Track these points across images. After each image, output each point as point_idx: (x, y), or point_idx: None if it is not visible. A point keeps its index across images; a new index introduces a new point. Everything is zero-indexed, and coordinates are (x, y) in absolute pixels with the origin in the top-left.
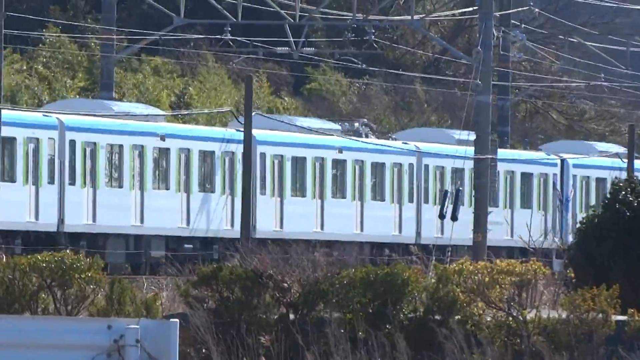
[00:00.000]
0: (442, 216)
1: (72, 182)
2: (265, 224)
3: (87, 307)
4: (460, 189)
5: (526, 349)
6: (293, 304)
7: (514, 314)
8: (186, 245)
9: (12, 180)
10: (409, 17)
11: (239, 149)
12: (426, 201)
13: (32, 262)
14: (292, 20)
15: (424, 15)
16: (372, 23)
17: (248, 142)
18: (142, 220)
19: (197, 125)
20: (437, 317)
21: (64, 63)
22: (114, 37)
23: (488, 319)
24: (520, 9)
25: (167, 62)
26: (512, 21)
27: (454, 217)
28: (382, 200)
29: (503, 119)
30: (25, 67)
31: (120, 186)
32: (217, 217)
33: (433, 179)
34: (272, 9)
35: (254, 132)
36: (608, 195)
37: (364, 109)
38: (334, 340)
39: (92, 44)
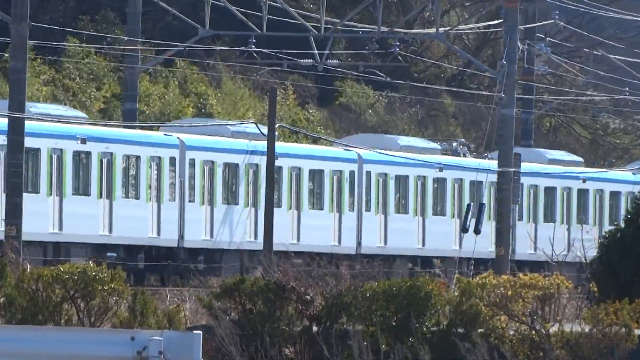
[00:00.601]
0: (465, 230)
1: (192, 199)
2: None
3: (110, 318)
4: (484, 202)
5: None
6: (316, 316)
7: (537, 328)
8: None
9: (137, 197)
10: (434, 30)
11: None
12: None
13: (55, 273)
14: (317, 33)
15: (449, 28)
16: (397, 36)
17: (271, 153)
18: (255, 236)
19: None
20: (460, 330)
21: (89, 74)
22: (139, 48)
23: (511, 333)
24: (545, 22)
25: (192, 74)
26: (537, 34)
27: (477, 231)
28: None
29: (527, 132)
30: (51, 78)
31: (236, 203)
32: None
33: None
34: (296, 22)
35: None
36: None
37: (390, 122)
38: (357, 353)
39: (117, 54)
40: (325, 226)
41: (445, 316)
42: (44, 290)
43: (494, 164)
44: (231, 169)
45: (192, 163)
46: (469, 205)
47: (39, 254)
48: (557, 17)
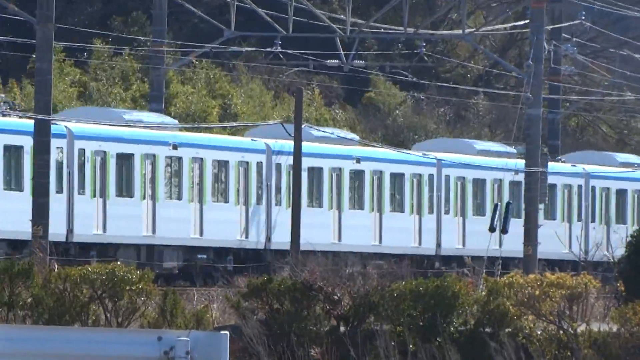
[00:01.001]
0: (492, 229)
1: (278, 202)
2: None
3: (138, 318)
4: (511, 202)
5: None
6: (343, 316)
7: (565, 327)
8: None
9: (226, 201)
10: (460, 31)
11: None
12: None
13: (83, 273)
14: (343, 34)
15: (475, 29)
16: (423, 37)
17: (298, 153)
18: (339, 238)
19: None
20: (488, 329)
21: (116, 75)
22: (165, 49)
23: (538, 332)
24: (571, 22)
25: (217, 74)
26: (563, 35)
27: (505, 230)
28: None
29: (553, 132)
30: (77, 79)
31: (320, 206)
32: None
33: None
34: (322, 23)
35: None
36: None
37: (418, 122)
38: (385, 353)
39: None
40: (406, 228)
41: (472, 316)
42: (71, 291)
43: (569, 167)
44: (315, 173)
45: (279, 168)
46: (496, 205)
47: (132, 256)
48: (583, 17)
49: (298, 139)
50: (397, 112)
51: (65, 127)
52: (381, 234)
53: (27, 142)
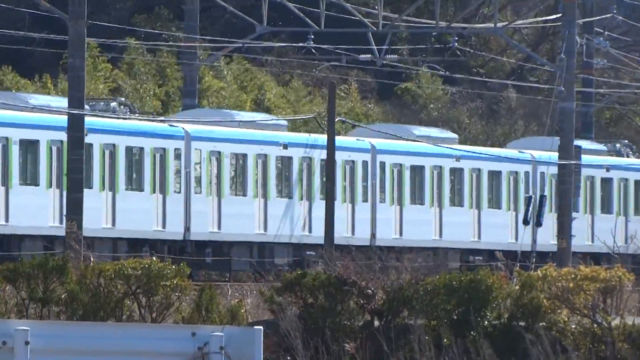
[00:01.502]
0: (526, 222)
1: (382, 200)
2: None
3: (172, 314)
4: (545, 195)
5: (611, 356)
6: (377, 310)
7: (599, 321)
8: None
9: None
10: (492, 25)
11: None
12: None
13: (118, 268)
14: (375, 28)
15: (507, 22)
16: (455, 31)
17: (331, 148)
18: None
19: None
20: (522, 323)
21: (148, 71)
22: (197, 45)
23: (573, 326)
24: (603, 16)
25: (251, 67)
26: (596, 28)
27: (538, 223)
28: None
29: (587, 125)
30: (110, 75)
31: (422, 203)
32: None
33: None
34: (354, 17)
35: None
36: None
37: (452, 116)
38: (419, 347)
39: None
40: (504, 224)
41: (506, 309)
42: (106, 286)
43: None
44: (417, 171)
45: (382, 166)
46: (529, 198)
47: (245, 254)
48: (615, 11)
49: (331, 133)
50: (432, 106)
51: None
52: (480, 230)
53: (147, 144)
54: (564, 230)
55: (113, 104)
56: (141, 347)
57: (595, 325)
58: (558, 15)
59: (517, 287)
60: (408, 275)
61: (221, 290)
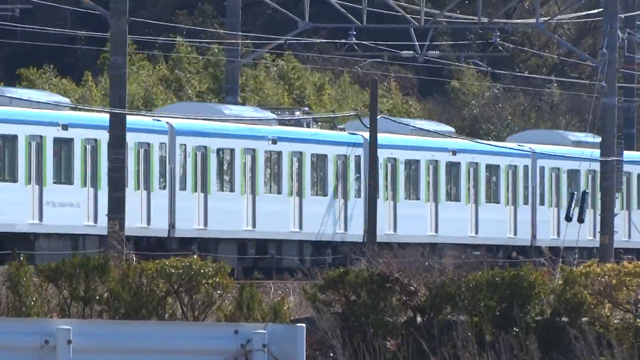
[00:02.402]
0: (568, 218)
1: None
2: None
3: (214, 312)
4: (587, 191)
5: None
6: (420, 307)
7: None
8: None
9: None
10: (534, 20)
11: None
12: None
13: (159, 267)
14: (417, 24)
15: (548, 17)
16: (497, 26)
17: (374, 145)
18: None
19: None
20: (564, 319)
21: (191, 68)
22: (239, 41)
23: (616, 321)
24: None
25: (293, 66)
26: (637, 22)
27: (581, 219)
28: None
29: (629, 121)
30: (152, 73)
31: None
32: None
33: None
34: (396, 13)
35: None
36: None
37: (494, 112)
38: (462, 343)
39: (216, 49)
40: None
41: (549, 305)
42: (147, 285)
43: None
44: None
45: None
46: (572, 194)
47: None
48: None
49: (373, 130)
50: (474, 102)
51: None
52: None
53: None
54: (606, 226)
55: None
56: (183, 346)
57: (638, 320)
58: (600, 10)
59: (559, 283)
60: (450, 271)
61: (264, 289)
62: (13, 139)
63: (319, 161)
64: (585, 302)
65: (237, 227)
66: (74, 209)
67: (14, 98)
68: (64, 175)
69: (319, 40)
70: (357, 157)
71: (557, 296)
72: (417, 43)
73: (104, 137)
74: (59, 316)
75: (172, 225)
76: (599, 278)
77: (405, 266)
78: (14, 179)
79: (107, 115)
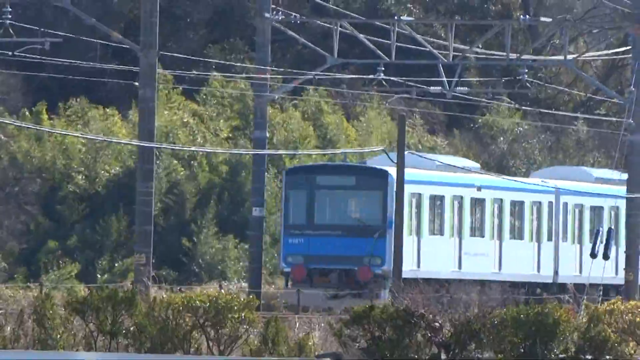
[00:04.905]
0: (593, 255)
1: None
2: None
3: (241, 346)
4: (612, 227)
5: None
6: (445, 343)
7: None
8: None
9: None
10: (562, 57)
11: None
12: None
13: (186, 301)
14: (445, 60)
15: (577, 55)
16: (526, 63)
17: (401, 179)
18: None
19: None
20: (589, 357)
21: (221, 102)
22: (268, 76)
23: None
24: None
25: (325, 102)
26: None
27: (606, 256)
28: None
29: None
30: (182, 106)
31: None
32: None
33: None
34: (425, 49)
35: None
36: None
37: (520, 149)
38: None
39: (243, 84)
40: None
41: (573, 343)
42: (174, 319)
43: None
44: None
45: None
46: (598, 231)
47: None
48: None
49: (401, 165)
50: (501, 138)
51: None
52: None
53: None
54: (631, 263)
55: None
56: None
57: None
58: (628, 47)
59: (584, 320)
60: (475, 308)
61: (288, 323)
62: (441, 199)
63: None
64: (610, 340)
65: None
66: (484, 258)
67: (440, 163)
68: (477, 229)
69: (347, 76)
70: (550, 203)
71: (582, 334)
72: (445, 79)
73: (506, 197)
74: (85, 349)
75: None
76: (623, 316)
77: (431, 302)
78: (441, 232)
79: (507, 179)
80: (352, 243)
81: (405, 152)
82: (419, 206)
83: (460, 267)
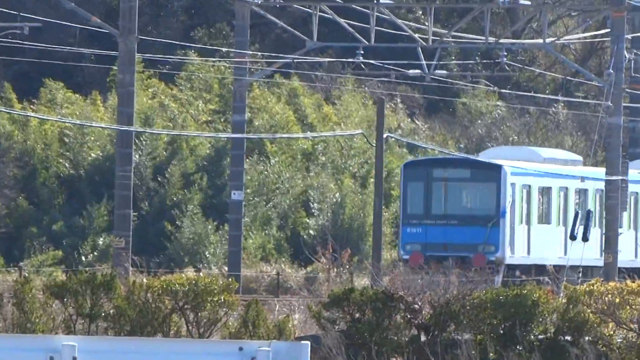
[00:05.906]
0: (572, 237)
1: None
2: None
3: (219, 329)
4: (592, 210)
5: None
6: (424, 325)
7: None
8: None
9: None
10: (541, 41)
11: None
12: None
13: (165, 284)
14: (425, 44)
15: (555, 38)
16: (504, 46)
17: (380, 164)
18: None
19: None
20: (568, 337)
21: (199, 86)
22: (247, 60)
23: (618, 340)
24: None
25: (301, 86)
26: None
27: (585, 238)
28: None
29: (634, 140)
30: (160, 90)
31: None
32: None
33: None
34: (404, 33)
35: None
36: None
37: (499, 132)
38: None
39: (222, 67)
40: None
41: (552, 324)
42: (153, 302)
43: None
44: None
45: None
46: (577, 213)
47: None
48: None
49: (380, 149)
50: (479, 121)
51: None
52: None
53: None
54: (610, 245)
55: None
56: None
57: None
58: (606, 30)
59: (563, 302)
60: (455, 289)
61: (268, 306)
62: (549, 190)
63: None
64: (589, 321)
65: None
66: (588, 244)
67: (547, 158)
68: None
69: (326, 59)
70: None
71: (561, 315)
72: (424, 62)
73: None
74: (65, 333)
75: None
76: (602, 297)
77: (410, 284)
78: (548, 221)
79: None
80: (467, 232)
81: (516, 146)
82: (528, 197)
83: (565, 253)
